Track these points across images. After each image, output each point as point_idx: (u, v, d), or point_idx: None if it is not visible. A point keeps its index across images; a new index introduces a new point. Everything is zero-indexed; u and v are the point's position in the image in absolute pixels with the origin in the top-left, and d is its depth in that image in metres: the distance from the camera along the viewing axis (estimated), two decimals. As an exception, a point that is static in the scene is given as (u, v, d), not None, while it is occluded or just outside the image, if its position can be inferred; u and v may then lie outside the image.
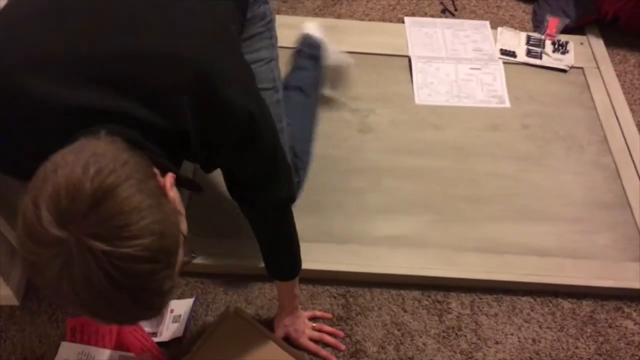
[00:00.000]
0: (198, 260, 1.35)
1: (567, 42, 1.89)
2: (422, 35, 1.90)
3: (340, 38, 1.84)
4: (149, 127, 0.77)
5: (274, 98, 1.15)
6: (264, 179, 1.00)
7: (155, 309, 0.69)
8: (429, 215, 1.46)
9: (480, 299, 1.36)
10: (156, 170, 0.73)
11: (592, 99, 1.76)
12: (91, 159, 0.64)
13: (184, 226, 0.74)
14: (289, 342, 1.23)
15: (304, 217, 1.42)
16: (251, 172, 0.98)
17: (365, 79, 1.76)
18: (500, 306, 1.35)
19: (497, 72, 1.81)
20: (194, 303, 1.30)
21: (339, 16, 1.98)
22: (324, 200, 1.47)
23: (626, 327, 1.33)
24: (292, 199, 1.06)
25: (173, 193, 0.74)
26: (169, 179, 0.74)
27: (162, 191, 0.70)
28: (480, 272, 1.37)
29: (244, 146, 0.91)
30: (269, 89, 1.15)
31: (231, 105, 0.83)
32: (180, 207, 0.76)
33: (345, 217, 1.44)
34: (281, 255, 1.14)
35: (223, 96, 0.82)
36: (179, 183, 0.82)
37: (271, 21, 1.17)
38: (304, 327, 1.25)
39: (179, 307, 1.29)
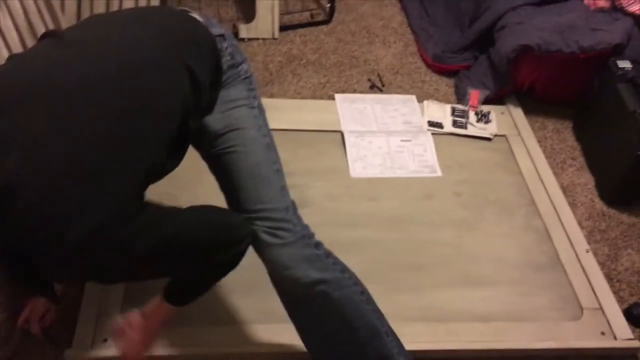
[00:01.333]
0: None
1: (489, 112, 1.99)
2: (353, 111, 1.96)
3: (274, 116, 1.85)
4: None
5: (263, 141, 1.16)
6: (190, 267, 1.01)
7: None
8: (371, 287, 1.44)
9: (428, 370, 1.34)
10: None
11: (517, 164, 1.84)
12: None
13: None
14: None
15: (240, 297, 1.38)
16: (162, 274, 1.01)
17: (300, 154, 1.78)
18: (448, 376, 1.34)
19: (427, 143, 1.87)
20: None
21: (271, 95, 2.03)
22: (261, 277, 1.43)
23: (572, 388, 1.34)
24: (240, 249, 1.08)
25: None
26: None
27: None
28: (427, 342, 1.36)
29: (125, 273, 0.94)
30: (252, 129, 1.15)
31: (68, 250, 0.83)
32: None
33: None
34: (198, 285, 1.10)
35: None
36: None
37: (248, 77, 1.19)
38: (137, 344, 1.12)
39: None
